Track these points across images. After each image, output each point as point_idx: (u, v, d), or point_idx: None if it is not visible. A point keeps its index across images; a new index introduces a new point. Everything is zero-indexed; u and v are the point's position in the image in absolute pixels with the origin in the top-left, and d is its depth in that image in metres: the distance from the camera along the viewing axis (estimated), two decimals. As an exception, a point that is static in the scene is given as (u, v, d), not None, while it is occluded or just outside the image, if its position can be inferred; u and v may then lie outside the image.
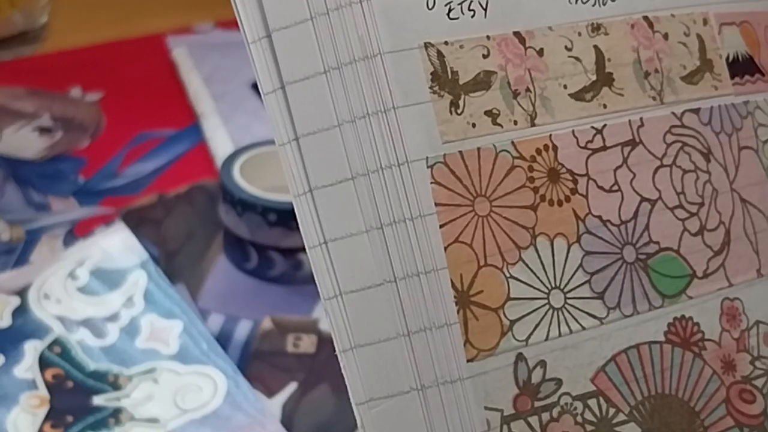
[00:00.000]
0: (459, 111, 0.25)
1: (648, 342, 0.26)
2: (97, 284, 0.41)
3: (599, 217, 0.26)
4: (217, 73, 0.54)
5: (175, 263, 0.44)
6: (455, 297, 0.24)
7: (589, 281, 0.25)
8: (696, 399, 0.27)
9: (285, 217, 0.41)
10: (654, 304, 0.26)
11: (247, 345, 0.40)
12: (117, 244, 0.43)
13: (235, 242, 0.44)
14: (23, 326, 0.40)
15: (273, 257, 0.43)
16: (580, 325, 0.25)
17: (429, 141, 0.24)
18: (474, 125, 0.25)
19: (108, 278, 0.42)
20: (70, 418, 0.36)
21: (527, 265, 0.25)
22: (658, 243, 0.27)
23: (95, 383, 0.38)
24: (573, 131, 0.26)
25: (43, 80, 0.53)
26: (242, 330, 0.41)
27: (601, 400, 0.25)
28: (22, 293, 0.41)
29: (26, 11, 0.54)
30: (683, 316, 0.27)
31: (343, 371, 0.24)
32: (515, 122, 0.25)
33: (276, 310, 0.42)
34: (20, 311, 0.40)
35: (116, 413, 0.37)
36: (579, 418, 0.25)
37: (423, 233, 0.24)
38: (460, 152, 0.25)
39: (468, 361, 0.24)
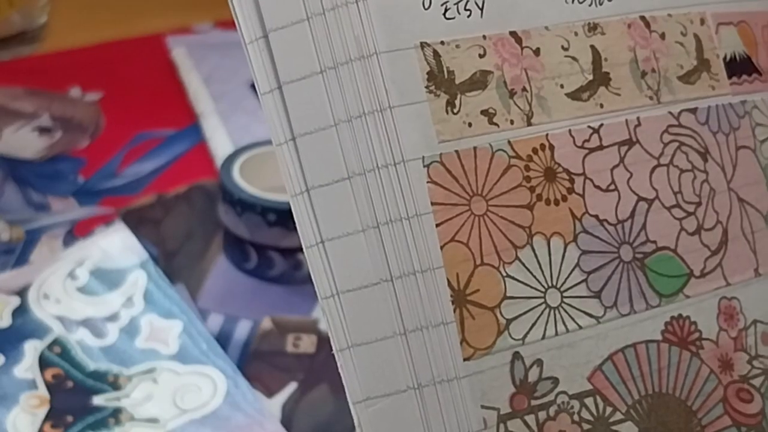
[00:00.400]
0: (455, 110, 0.25)
1: (645, 341, 0.26)
2: (97, 284, 0.41)
3: (596, 217, 0.26)
4: (216, 73, 0.54)
5: (174, 263, 0.44)
6: (451, 296, 0.24)
7: (585, 280, 0.26)
8: (693, 398, 0.27)
9: (284, 217, 0.42)
10: (651, 303, 0.26)
11: (246, 345, 0.40)
12: (116, 244, 0.43)
13: (234, 242, 0.44)
14: (23, 326, 0.40)
15: (272, 257, 0.43)
16: (577, 324, 0.25)
17: (425, 140, 0.24)
18: (470, 125, 0.25)
19: (107, 278, 0.42)
20: (69, 418, 0.37)
21: (524, 264, 0.25)
22: (655, 242, 0.27)
23: (95, 383, 0.38)
24: (570, 131, 0.26)
25: (42, 80, 0.53)
26: (242, 330, 0.41)
27: (598, 399, 0.26)
28: (21, 293, 0.41)
29: (25, 11, 0.55)
30: (680, 315, 0.27)
31: (340, 370, 0.24)
32: (511, 122, 0.25)
33: (275, 310, 0.42)
34: (20, 311, 0.40)
35: (116, 413, 0.37)
36: (576, 417, 0.25)
37: (419, 232, 0.24)
38: (457, 152, 0.25)
39: (464, 360, 0.24)
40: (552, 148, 0.26)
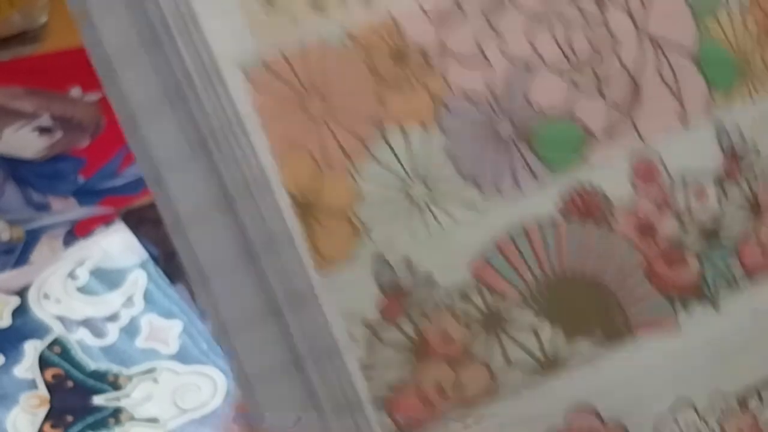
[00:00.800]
0: (274, 5, 0.24)
1: (537, 221, 0.25)
2: (97, 284, 0.44)
3: (463, 94, 0.25)
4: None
5: (174, 263, 0.45)
6: (295, 207, 0.24)
7: (456, 166, 0.25)
8: (609, 276, 0.26)
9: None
10: (543, 179, 0.25)
11: (247, 345, 0.41)
12: (117, 244, 0.46)
13: (235, 241, 0.45)
14: (23, 326, 0.42)
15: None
16: (450, 216, 0.25)
17: (243, 46, 0.24)
18: (295, 19, 0.24)
19: (107, 278, 0.44)
20: (70, 418, 0.39)
21: (378, 161, 0.24)
22: (542, 110, 0.25)
23: (95, 383, 0.40)
24: (419, 4, 0.24)
25: (42, 80, 0.56)
26: (243, 330, 0.42)
27: (485, 291, 0.25)
28: (22, 293, 0.44)
29: (25, 11, 0.57)
30: (581, 185, 0.25)
31: (202, 306, 0.25)
32: (345, 6, 0.24)
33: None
34: (20, 311, 0.43)
35: (116, 413, 0.39)
36: (460, 313, 0.24)
37: (248, 145, 0.24)
38: (282, 52, 0.24)
39: (319, 273, 0.24)
40: (399, 26, 0.24)
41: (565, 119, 0.26)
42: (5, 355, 0.40)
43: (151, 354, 0.40)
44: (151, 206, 0.50)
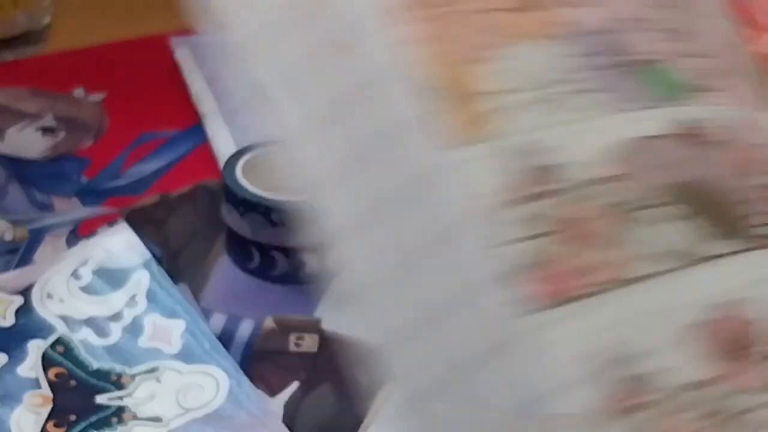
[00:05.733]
0: None
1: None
2: (100, 284, 0.43)
3: (577, 25, 0.25)
4: (219, 73, 0.55)
5: (177, 263, 0.45)
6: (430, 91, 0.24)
7: (578, 81, 0.25)
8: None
9: (287, 217, 0.42)
10: (655, 103, 0.25)
11: (249, 344, 0.42)
12: (120, 244, 0.44)
13: (237, 242, 0.45)
14: (26, 326, 0.41)
15: (275, 257, 0.44)
16: (580, 113, 0.24)
17: None
18: None
19: (111, 278, 0.43)
20: (73, 417, 0.38)
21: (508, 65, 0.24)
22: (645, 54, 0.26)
23: (98, 382, 0.39)
24: None
25: (46, 80, 0.55)
26: (244, 329, 0.42)
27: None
28: (25, 293, 0.42)
29: (29, 12, 0.56)
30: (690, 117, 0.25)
31: None
32: None
33: (278, 310, 0.43)
34: (23, 311, 0.42)
35: (119, 412, 0.38)
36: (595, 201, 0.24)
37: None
38: None
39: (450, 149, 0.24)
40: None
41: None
42: (9, 354, 0.39)
43: (154, 353, 0.39)
44: (155, 206, 0.50)
